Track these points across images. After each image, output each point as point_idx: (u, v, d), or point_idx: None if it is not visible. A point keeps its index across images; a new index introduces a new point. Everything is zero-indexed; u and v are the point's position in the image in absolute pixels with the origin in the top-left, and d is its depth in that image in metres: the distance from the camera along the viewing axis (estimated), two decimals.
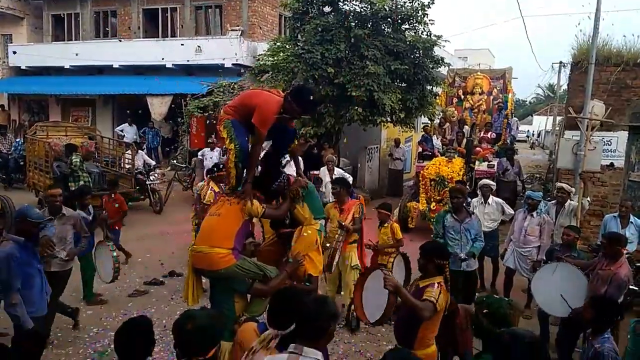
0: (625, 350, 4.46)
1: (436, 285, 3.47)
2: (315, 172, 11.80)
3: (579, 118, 8.46)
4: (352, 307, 6.24)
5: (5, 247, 4.08)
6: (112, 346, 5.51)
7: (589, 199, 7.07)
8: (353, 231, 6.15)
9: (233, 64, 16.63)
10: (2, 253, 3.99)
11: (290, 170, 11.66)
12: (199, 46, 17.03)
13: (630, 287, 4.85)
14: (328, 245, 5.73)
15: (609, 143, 9.58)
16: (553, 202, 7.12)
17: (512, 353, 2.11)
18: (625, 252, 4.96)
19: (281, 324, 2.51)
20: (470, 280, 6.08)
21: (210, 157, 12.74)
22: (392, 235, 6.31)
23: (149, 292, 7.10)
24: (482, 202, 7.40)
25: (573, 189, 7.28)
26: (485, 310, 2.82)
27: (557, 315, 5.18)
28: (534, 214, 6.59)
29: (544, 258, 5.99)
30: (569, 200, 6.86)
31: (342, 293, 6.30)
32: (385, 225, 6.38)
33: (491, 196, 7.48)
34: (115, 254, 5.89)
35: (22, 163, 12.87)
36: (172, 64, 17.50)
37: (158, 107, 16.50)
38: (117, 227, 7.77)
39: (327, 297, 2.47)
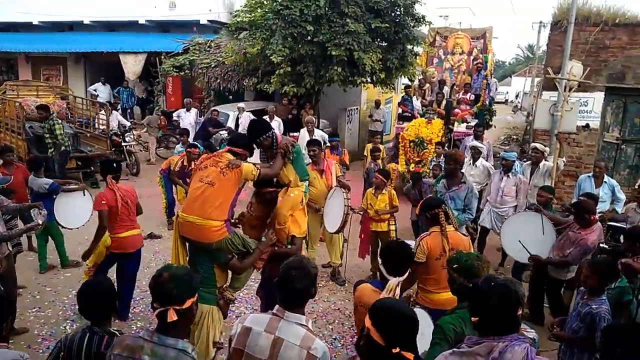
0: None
1: (419, 240, 3.94)
2: (295, 133, 11.74)
3: (557, 79, 8.51)
4: (339, 265, 6.41)
5: None
6: None
7: (564, 159, 7.20)
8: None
9: (209, 21, 16.14)
10: None
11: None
12: (172, 1, 16.45)
13: (601, 244, 4.99)
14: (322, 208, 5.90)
15: (585, 104, 9.70)
16: (528, 162, 7.23)
17: (487, 297, 2.03)
18: (598, 213, 5.10)
19: (397, 271, 2.97)
20: None
21: (186, 118, 12.56)
22: (389, 202, 6.32)
23: None
24: (470, 164, 7.43)
25: (547, 149, 7.36)
26: (455, 266, 2.88)
27: (517, 260, 5.48)
28: (510, 174, 6.70)
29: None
30: (543, 161, 6.95)
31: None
32: (383, 191, 6.33)
33: (480, 159, 7.52)
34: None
35: None
36: (146, 20, 16.90)
37: (132, 66, 16.01)
38: None
39: (306, 263, 2.46)
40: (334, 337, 5.17)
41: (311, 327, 2.36)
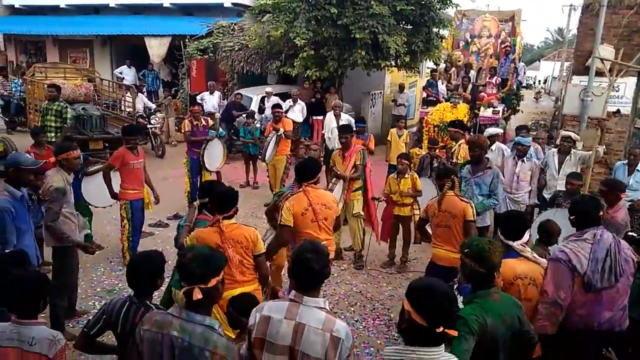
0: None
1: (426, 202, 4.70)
2: (318, 117, 11.71)
3: (605, 60, 7.90)
4: (360, 250, 6.46)
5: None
6: (119, 285, 5.70)
7: (603, 147, 6.88)
8: (355, 178, 6.19)
9: (233, 4, 16.09)
10: None
11: (293, 115, 11.61)
12: None
13: (629, 233, 4.89)
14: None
15: (617, 89, 9.41)
16: (554, 150, 7.01)
17: (584, 203, 3.30)
18: (624, 197, 4.99)
19: (517, 236, 3.25)
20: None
21: (210, 101, 12.63)
22: (412, 186, 6.32)
23: (154, 234, 7.23)
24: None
25: (579, 137, 7.06)
26: (466, 250, 2.77)
27: None
28: (525, 159, 6.55)
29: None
30: (573, 150, 6.72)
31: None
32: (406, 176, 6.34)
33: (497, 142, 7.40)
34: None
35: (23, 105, 12.69)
36: (170, 3, 16.94)
37: (157, 49, 16.11)
38: None
39: (317, 244, 2.47)
40: (355, 319, 5.21)
41: (329, 308, 2.36)
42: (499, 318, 2.59)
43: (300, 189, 4.16)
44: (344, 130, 6.41)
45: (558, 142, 7.13)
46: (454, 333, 1.97)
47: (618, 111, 9.50)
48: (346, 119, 9.41)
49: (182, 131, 8.28)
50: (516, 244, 3.21)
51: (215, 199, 3.54)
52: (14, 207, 3.74)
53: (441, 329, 1.93)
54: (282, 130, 8.23)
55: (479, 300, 2.64)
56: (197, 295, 2.16)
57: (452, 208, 4.40)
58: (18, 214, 3.77)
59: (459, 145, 7.03)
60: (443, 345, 1.99)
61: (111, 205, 6.08)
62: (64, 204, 4.46)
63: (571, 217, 3.37)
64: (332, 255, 4.12)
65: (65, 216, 4.50)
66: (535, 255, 3.25)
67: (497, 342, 2.58)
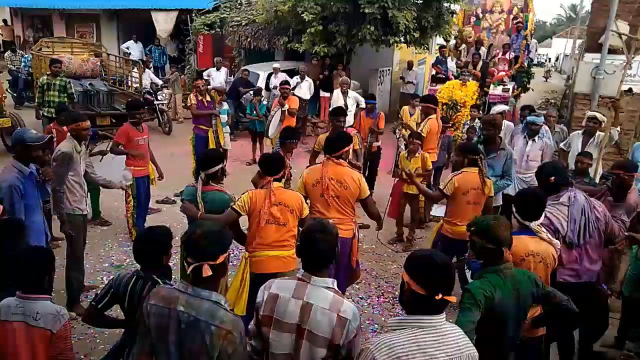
0: (625, 275, 4.58)
1: (452, 176, 4.68)
2: (326, 94, 11.61)
3: (622, 35, 7.57)
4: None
5: (7, 175, 3.76)
6: (127, 260, 5.75)
7: (618, 128, 6.59)
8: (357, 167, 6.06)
9: None
10: (5, 183, 3.70)
11: (301, 92, 11.49)
12: None
13: None
14: None
15: (629, 67, 9.21)
16: (579, 132, 6.80)
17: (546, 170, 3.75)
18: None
19: (534, 217, 3.20)
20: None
21: (217, 77, 12.53)
22: (422, 165, 6.32)
23: (161, 211, 7.29)
24: None
25: (605, 119, 6.57)
26: (472, 228, 2.81)
27: None
28: (536, 138, 6.43)
29: None
30: (597, 132, 6.44)
31: None
32: (417, 155, 6.35)
33: (504, 121, 7.31)
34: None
35: (31, 80, 12.63)
36: None
37: (163, 24, 15.98)
38: None
39: (326, 224, 2.48)
40: (360, 296, 5.26)
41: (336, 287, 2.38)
42: (509, 293, 2.64)
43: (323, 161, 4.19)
44: (337, 113, 6.00)
45: (584, 123, 6.87)
46: (453, 299, 2.01)
47: (630, 90, 9.30)
48: (353, 96, 9.31)
49: (189, 104, 8.26)
50: (533, 225, 3.20)
51: (265, 162, 3.81)
52: (23, 184, 3.75)
53: (440, 295, 1.97)
54: (287, 106, 8.18)
55: (488, 275, 2.69)
56: (207, 272, 2.17)
57: (478, 184, 4.61)
58: (27, 191, 3.78)
59: (428, 119, 6.98)
60: (444, 314, 2.03)
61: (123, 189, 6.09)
62: (70, 171, 4.47)
63: (551, 179, 3.77)
64: (349, 235, 4.10)
65: (72, 184, 4.52)
66: (550, 236, 3.24)
67: (506, 316, 2.64)
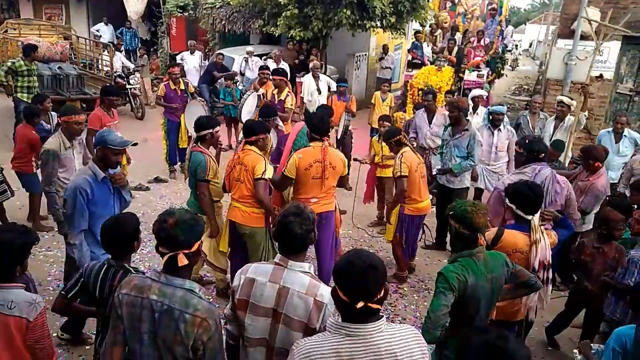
0: None
1: (398, 160, 4.90)
2: (300, 79, 11.51)
3: (592, 21, 7.66)
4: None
5: (78, 177, 3.50)
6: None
7: (585, 113, 6.72)
8: None
9: None
10: (71, 184, 3.46)
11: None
12: None
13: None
14: None
15: (600, 53, 9.37)
16: (552, 117, 6.88)
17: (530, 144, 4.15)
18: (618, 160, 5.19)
19: (533, 210, 3.22)
20: (452, 197, 6.03)
21: (190, 61, 12.28)
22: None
23: (135, 198, 7.13)
24: (470, 112, 7.31)
25: (574, 102, 6.72)
26: (451, 212, 2.82)
27: None
28: (501, 128, 6.47)
29: None
30: (568, 115, 6.58)
31: None
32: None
33: (480, 107, 7.39)
34: None
35: None
36: None
37: (134, 5, 15.51)
38: None
39: (304, 208, 2.42)
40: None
41: (314, 272, 2.37)
42: (482, 277, 2.68)
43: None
44: (265, 114, 5.81)
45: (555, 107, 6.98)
46: (378, 307, 1.86)
47: (601, 76, 9.51)
48: (325, 80, 9.26)
49: (158, 94, 8.04)
50: (535, 220, 3.20)
51: (318, 122, 4.40)
52: (92, 188, 3.43)
53: (361, 304, 1.81)
54: (261, 90, 8.07)
55: (462, 259, 2.72)
56: (183, 261, 2.14)
57: (419, 159, 5.11)
58: (96, 196, 3.46)
59: (286, 93, 7.06)
60: (380, 320, 1.88)
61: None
62: (58, 169, 4.40)
63: (521, 151, 4.22)
64: (332, 207, 4.52)
65: (63, 182, 4.40)
66: (545, 237, 3.21)
67: (479, 299, 2.69)
